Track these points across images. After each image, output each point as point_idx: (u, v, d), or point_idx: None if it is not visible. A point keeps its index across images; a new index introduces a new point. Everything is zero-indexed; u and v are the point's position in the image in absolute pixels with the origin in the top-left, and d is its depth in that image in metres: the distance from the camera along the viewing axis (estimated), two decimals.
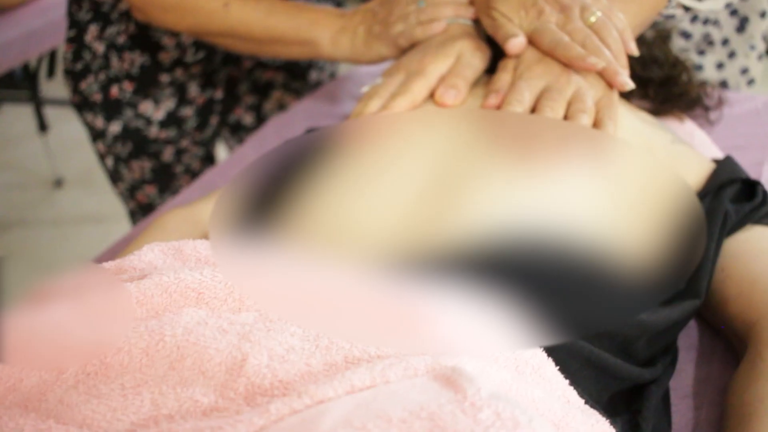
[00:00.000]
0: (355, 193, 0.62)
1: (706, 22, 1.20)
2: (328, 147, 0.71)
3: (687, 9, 0.94)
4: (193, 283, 0.55)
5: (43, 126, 2.80)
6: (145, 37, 1.22)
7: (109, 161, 1.34)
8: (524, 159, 0.68)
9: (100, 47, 1.26)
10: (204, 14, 1.03)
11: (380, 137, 0.74)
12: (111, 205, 2.53)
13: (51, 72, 2.46)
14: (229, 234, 0.57)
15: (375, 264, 0.53)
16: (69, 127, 3.13)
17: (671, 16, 0.96)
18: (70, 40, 1.29)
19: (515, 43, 0.83)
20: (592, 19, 0.82)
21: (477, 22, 0.93)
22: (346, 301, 0.52)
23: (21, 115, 3.29)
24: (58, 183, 2.90)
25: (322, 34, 1.00)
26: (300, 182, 0.63)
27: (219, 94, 1.32)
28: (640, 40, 1.00)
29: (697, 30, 1.21)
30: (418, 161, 0.68)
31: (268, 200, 0.61)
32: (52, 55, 2.41)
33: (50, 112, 3.14)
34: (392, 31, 0.95)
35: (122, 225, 2.47)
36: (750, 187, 0.82)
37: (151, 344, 0.50)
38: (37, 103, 2.71)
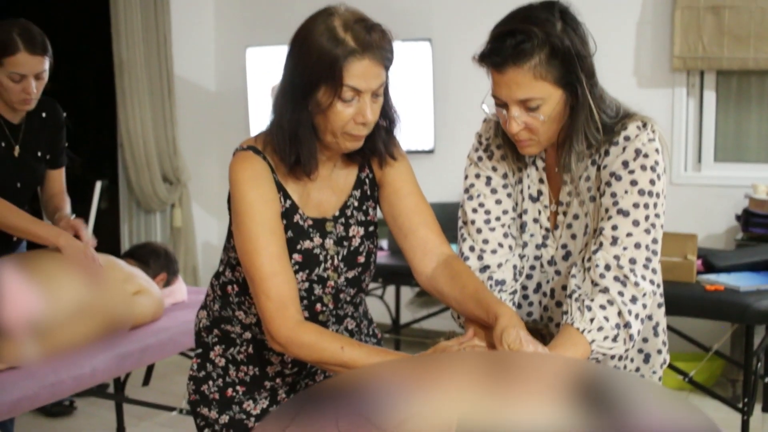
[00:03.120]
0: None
1: (620, 358, 1.81)
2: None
3: (604, 354, 1.53)
4: None
5: (120, 427, 3.30)
6: (259, 356, 1.80)
7: None
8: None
9: (221, 361, 1.83)
10: (327, 353, 1.60)
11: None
12: None
13: (147, 382, 3.04)
14: None
15: None
16: (139, 429, 3.62)
17: (595, 359, 1.54)
18: (197, 356, 1.87)
19: None
20: None
21: None
22: None
23: (99, 413, 3.82)
24: None
25: None
26: None
27: None
28: None
29: (620, 363, 1.82)
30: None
31: None
32: (151, 368, 2.99)
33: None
34: None
35: None
36: None
37: None
38: (119, 404, 3.23)
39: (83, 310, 2.37)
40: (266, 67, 5.25)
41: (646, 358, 1.85)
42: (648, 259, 1.64)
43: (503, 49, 1.60)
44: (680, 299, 3.05)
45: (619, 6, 4.44)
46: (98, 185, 4.79)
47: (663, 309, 1.84)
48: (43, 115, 2.75)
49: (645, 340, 1.82)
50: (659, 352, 1.85)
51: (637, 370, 1.85)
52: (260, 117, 5.29)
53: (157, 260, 3.01)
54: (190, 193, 5.53)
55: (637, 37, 4.45)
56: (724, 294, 3.09)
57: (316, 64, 1.59)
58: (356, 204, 1.80)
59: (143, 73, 5.09)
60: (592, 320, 1.58)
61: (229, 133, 5.73)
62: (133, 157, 5.14)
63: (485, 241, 1.79)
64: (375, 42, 1.60)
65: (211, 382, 1.84)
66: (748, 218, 3.95)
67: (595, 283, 1.63)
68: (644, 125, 1.67)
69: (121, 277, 2.64)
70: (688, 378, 3.27)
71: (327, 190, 1.77)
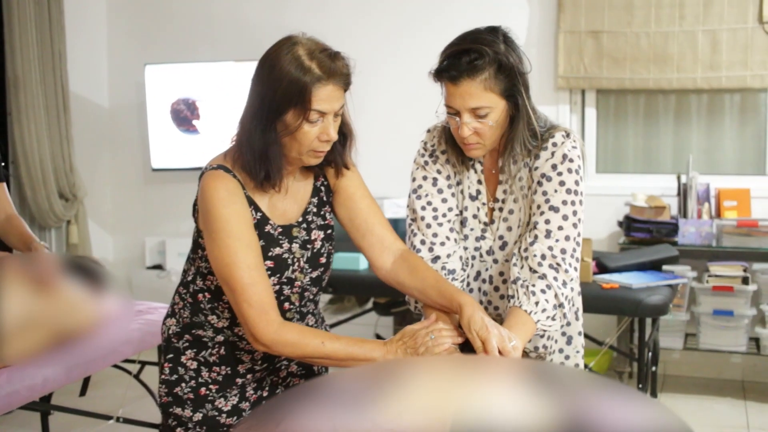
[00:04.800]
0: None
1: (549, 338, 2.03)
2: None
3: (545, 331, 1.84)
4: None
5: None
6: (231, 356, 1.94)
7: None
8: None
9: (193, 364, 1.95)
10: (310, 348, 1.79)
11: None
12: None
13: (83, 392, 3.07)
14: None
15: None
16: None
17: (539, 334, 1.86)
18: (168, 360, 1.98)
19: (477, 346, 1.71)
20: (510, 344, 1.65)
21: (460, 345, 1.81)
22: None
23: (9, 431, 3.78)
24: None
25: (378, 355, 1.79)
26: None
27: (265, 394, 2.01)
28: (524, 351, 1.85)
29: (548, 343, 2.04)
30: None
31: None
32: (87, 379, 3.03)
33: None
34: (419, 351, 1.76)
35: None
36: None
37: None
38: (45, 415, 3.24)
39: (34, 320, 2.42)
40: (165, 84, 5.30)
41: (569, 340, 2.13)
42: (574, 250, 1.95)
43: (459, 64, 1.87)
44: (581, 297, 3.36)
45: (507, 29, 4.75)
46: None
47: (580, 297, 2.15)
48: None
49: (567, 323, 2.09)
50: (579, 334, 2.15)
51: (561, 351, 2.12)
52: (160, 133, 5.33)
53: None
54: (86, 210, 5.49)
55: None
56: (619, 291, 3.43)
57: (286, 91, 1.77)
58: (315, 210, 1.98)
59: (38, 90, 5.05)
60: (537, 303, 1.86)
61: (124, 149, 5.74)
62: (29, 174, 5.07)
63: (435, 235, 2.04)
64: (338, 69, 1.80)
65: (183, 384, 1.96)
66: (629, 224, 4.34)
67: (533, 271, 1.91)
68: (567, 135, 1.97)
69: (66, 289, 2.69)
70: (588, 369, 3.59)
71: (289, 200, 1.94)
